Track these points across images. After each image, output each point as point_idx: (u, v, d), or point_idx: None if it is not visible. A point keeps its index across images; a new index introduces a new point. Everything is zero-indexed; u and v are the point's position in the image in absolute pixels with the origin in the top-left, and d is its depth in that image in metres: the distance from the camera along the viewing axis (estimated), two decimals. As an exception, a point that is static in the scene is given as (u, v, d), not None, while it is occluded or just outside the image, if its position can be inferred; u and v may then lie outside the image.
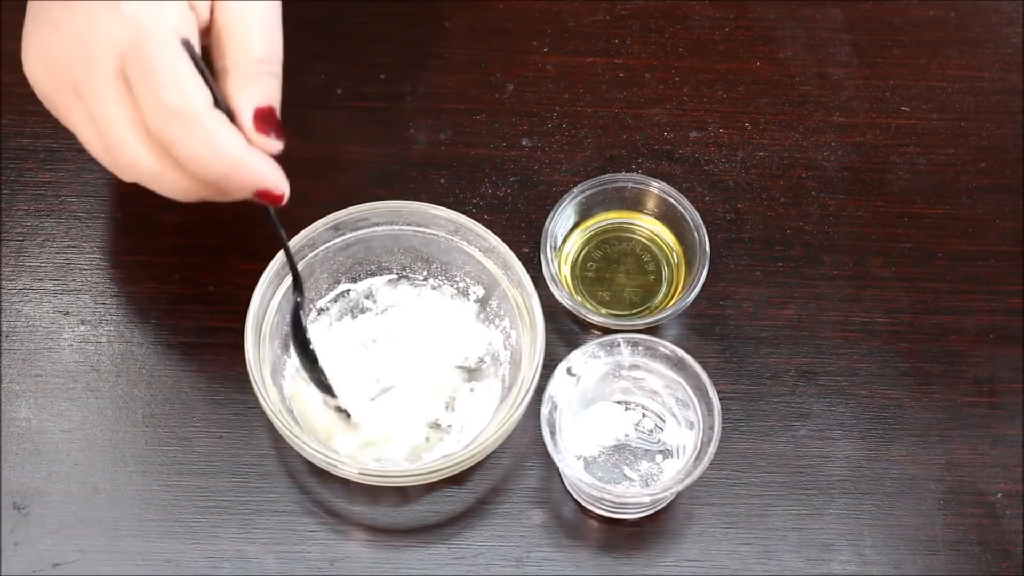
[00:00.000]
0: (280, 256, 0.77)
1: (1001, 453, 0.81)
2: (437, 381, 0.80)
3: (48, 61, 0.68)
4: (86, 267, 0.84)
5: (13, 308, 0.83)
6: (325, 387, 0.77)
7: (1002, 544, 0.79)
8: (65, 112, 0.69)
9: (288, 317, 0.78)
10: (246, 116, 0.68)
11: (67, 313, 0.83)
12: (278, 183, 0.69)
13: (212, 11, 0.68)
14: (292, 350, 0.78)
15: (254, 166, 0.67)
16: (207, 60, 0.69)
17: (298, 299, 0.76)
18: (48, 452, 0.79)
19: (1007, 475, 0.80)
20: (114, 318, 0.83)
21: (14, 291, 0.83)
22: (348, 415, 0.78)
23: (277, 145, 0.69)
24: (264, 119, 0.68)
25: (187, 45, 0.67)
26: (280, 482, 0.79)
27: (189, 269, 0.84)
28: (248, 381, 0.76)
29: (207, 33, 0.69)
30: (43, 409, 0.80)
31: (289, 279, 0.78)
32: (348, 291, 0.82)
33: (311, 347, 0.76)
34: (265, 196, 0.69)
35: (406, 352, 0.80)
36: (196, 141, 0.66)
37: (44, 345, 0.82)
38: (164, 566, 0.77)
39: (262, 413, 0.76)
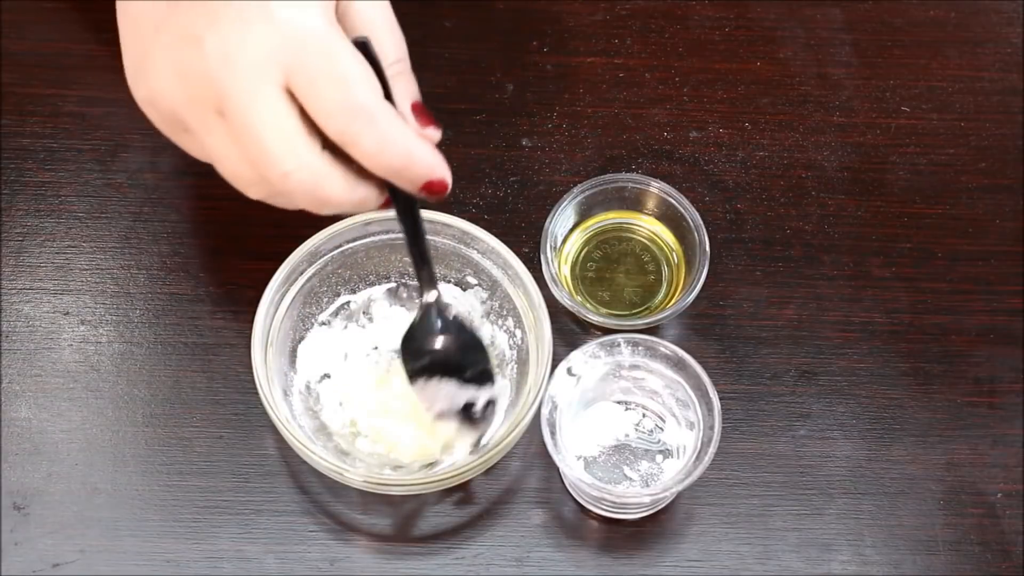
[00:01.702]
0: (283, 268, 0.77)
1: (1001, 453, 0.81)
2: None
3: (186, 78, 0.65)
4: (86, 267, 0.84)
5: (13, 308, 0.83)
6: (489, 378, 0.75)
7: (1002, 544, 0.79)
8: (200, 131, 0.67)
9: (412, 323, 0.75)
10: (407, 112, 0.69)
11: (67, 313, 0.83)
12: (445, 172, 0.68)
13: (339, 18, 0.67)
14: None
15: (428, 156, 0.68)
16: None
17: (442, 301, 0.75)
18: (48, 452, 0.79)
19: (1007, 475, 0.80)
20: (114, 318, 0.83)
21: (14, 291, 0.83)
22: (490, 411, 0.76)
23: (437, 135, 0.69)
24: (421, 113, 0.69)
25: (361, 45, 0.66)
26: (280, 482, 0.79)
27: (189, 269, 0.84)
28: (248, 382, 0.76)
29: None
30: (43, 409, 0.81)
31: (293, 290, 0.79)
32: (348, 303, 0.82)
33: (478, 338, 0.75)
34: (434, 187, 0.69)
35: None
36: (378, 133, 0.65)
37: (44, 345, 0.82)
38: (164, 566, 0.77)
39: (262, 413, 0.76)
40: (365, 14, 0.68)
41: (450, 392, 0.75)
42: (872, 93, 0.91)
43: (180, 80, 0.65)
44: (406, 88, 0.69)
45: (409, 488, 0.75)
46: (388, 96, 0.67)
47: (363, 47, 0.66)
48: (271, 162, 0.65)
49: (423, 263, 0.73)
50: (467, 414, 0.75)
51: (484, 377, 0.75)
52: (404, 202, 0.71)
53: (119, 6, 0.69)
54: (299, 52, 0.64)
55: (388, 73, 0.68)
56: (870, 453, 0.81)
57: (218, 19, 0.64)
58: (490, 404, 0.75)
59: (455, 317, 0.75)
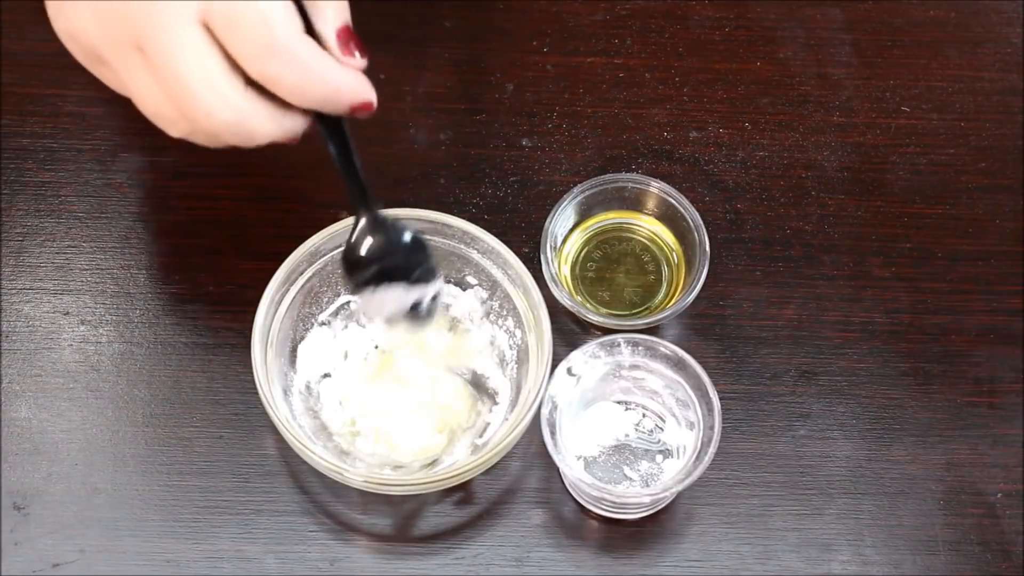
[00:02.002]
0: (283, 268, 0.78)
1: (1001, 453, 0.81)
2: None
3: (104, 15, 0.65)
4: (86, 267, 0.84)
5: (13, 308, 0.83)
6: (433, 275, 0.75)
7: (1002, 544, 0.79)
8: (119, 67, 0.67)
9: (350, 234, 0.74)
10: (331, 40, 0.68)
11: (67, 313, 0.83)
12: (370, 94, 0.69)
13: None
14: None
15: (351, 85, 0.68)
16: None
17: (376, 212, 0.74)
18: (48, 452, 0.79)
19: (1007, 475, 0.80)
20: (114, 318, 0.83)
21: (14, 291, 0.83)
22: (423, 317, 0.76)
23: (362, 62, 0.69)
24: (346, 40, 0.69)
25: None
26: (280, 482, 0.79)
27: (189, 269, 0.84)
28: (248, 381, 0.76)
29: None
30: (43, 409, 0.80)
31: (293, 290, 0.79)
32: (349, 302, 0.82)
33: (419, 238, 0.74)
34: (359, 109, 0.69)
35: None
36: (298, 70, 0.65)
37: (44, 345, 0.82)
38: (164, 566, 0.77)
39: (262, 413, 0.76)
40: None
41: (397, 296, 0.74)
42: (872, 93, 0.91)
43: (98, 16, 0.66)
44: (334, 13, 0.69)
45: (409, 488, 0.75)
46: (311, 28, 0.67)
47: None
48: (194, 102, 0.65)
49: (354, 180, 0.72)
50: (414, 312, 0.75)
51: (428, 275, 0.75)
52: (330, 122, 0.70)
53: None
54: None
55: None
56: (870, 453, 0.81)
57: None
58: (435, 298, 0.75)
59: (393, 224, 0.74)
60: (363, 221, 0.73)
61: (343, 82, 0.67)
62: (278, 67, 0.65)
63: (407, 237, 0.74)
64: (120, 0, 0.64)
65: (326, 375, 0.81)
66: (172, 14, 0.64)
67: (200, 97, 0.65)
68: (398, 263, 0.74)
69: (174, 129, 0.67)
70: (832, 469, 0.80)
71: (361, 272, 0.74)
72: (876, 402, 0.82)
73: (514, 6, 0.93)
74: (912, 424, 0.81)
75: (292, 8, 0.66)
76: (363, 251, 0.74)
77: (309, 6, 0.68)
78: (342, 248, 0.76)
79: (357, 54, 0.69)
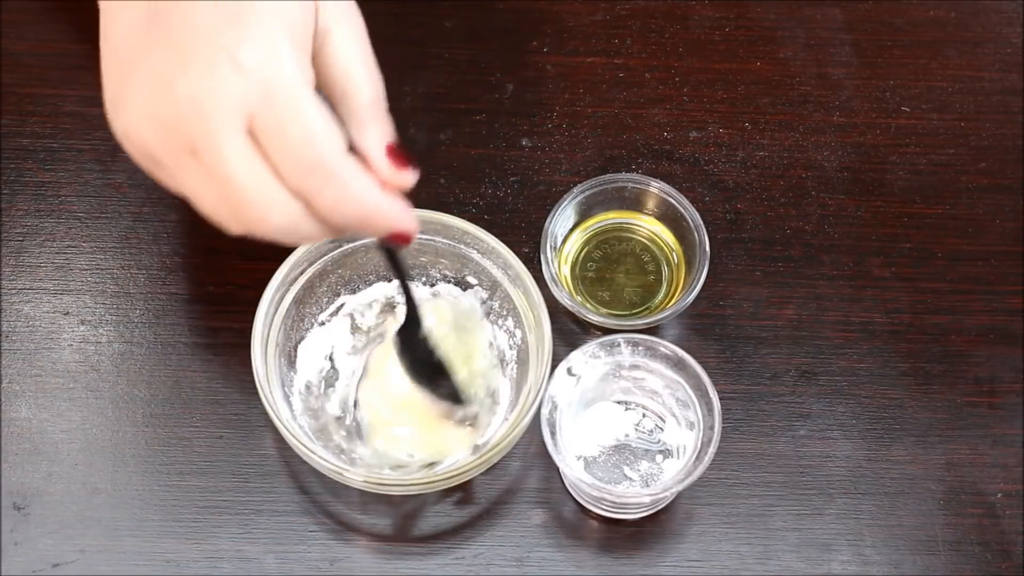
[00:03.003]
0: (283, 268, 0.78)
1: (1001, 453, 0.81)
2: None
3: (159, 121, 0.65)
4: (86, 267, 0.84)
5: (13, 308, 0.83)
6: (452, 394, 0.78)
7: (1002, 544, 0.79)
8: (176, 171, 0.66)
9: (395, 340, 0.78)
10: (379, 157, 0.68)
11: (67, 313, 0.83)
12: (411, 224, 0.69)
13: (314, 55, 0.67)
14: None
15: (390, 210, 0.67)
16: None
17: (420, 333, 0.77)
18: (48, 452, 0.79)
19: (1007, 475, 0.80)
20: (114, 318, 0.83)
21: (14, 291, 0.83)
22: (474, 415, 0.79)
23: (414, 177, 0.68)
24: (396, 156, 0.68)
25: (319, 93, 0.66)
26: (280, 482, 0.79)
27: (189, 269, 0.84)
28: (248, 382, 0.76)
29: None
30: (43, 409, 0.81)
31: (294, 290, 0.79)
32: (346, 303, 0.82)
33: (440, 360, 0.77)
34: (398, 238, 0.69)
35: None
36: (337, 191, 0.65)
37: (44, 345, 0.82)
38: (164, 566, 0.77)
39: (262, 413, 0.76)
40: (341, 54, 0.68)
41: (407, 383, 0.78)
42: (872, 93, 0.91)
43: (152, 122, 0.65)
44: (380, 132, 0.68)
45: (409, 488, 0.75)
46: (353, 146, 0.67)
47: (319, 94, 0.66)
48: (247, 208, 0.65)
49: (405, 290, 0.75)
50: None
51: (448, 395, 0.78)
52: (387, 251, 0.72)
53: (102, 31, 0.68)
54: (263, 102, 0.63)
55: (361, 116, 0.68)
56: (870, 453, 0.81)
57: (189, 63, 0.64)
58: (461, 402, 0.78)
59: (430, 345, 0.77)
60: (404, 333, 0.77)
61: (381, 207, 0.67)
62: (318, 183, 0.65)
63: (433, 363, 0.77)
64: (173, 104, 0.64)
65: (326, 375, 0.81)
66: (219, 116, 0.64)
67: (253, 204, 0.65)
68: (423, 376, 0.78)
69: (232, 227, 0.67)
70: (832, 469, 0.80)
71: (402, 343, 0.77)
72: (876, 402, 0.82)
73: (514, 6, 0.93)
74: (912, 424, 0.81)
75: (335, 124, 0.65)
76: (402, 349, 0.77)
77: (353, 127, 0.68)
78: (344, 250, 0.79)
79: (408, 168, 0.68)
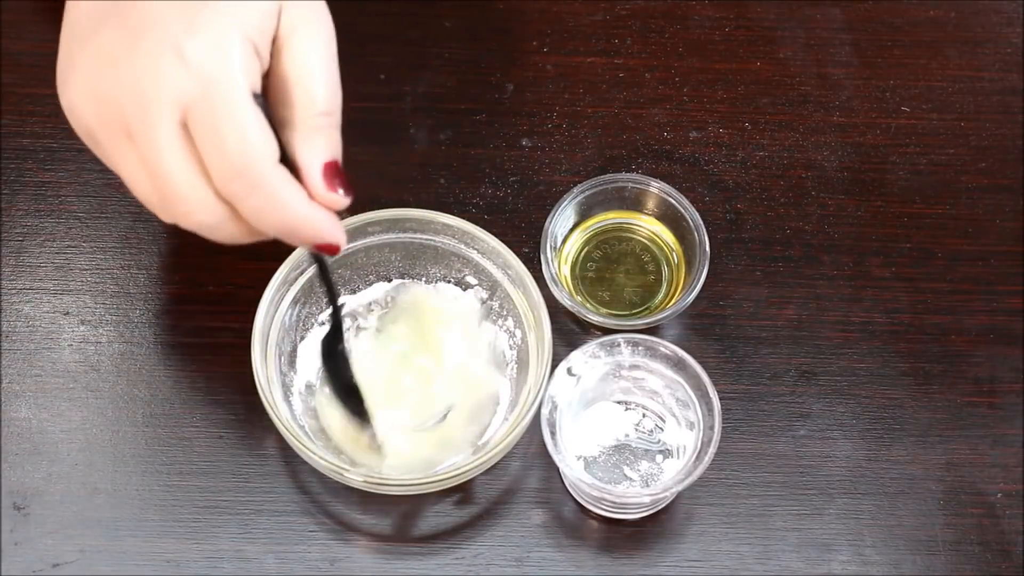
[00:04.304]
0: (283, 268, 0.78)
1: (1001, 453, 0.81)
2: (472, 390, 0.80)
3: (99, 99, 0.65)
4: (86, 267, 0.84)
5: (13, 308, 0.83)
6: (361, 415, 0.77)
7: (1002, 544, 0.79)
8: (111, 151, 0.67)
9: (319, 348, 0.78)
10: (315, 173, 0.67)
11: (67, 313, 0.83)
12: (337, 237, 0.68)
13: (272, 56, 0.66)
14: (320, 384, 0.79)
15: (316, 222, 0.67)
16: (265, 107, 0.67)
17: (340, 347, 0.76)
18: (48, 452, 0.79)
19: (1007, 475, 0.80)
20: (114, 318, 0.83)
21: (14, 291, 0.83)
22: (378, 445, 0.78)
23: (345, 201, 0.68)
24: (332, 175, 0.67)
25: (257, 98, 0.65)
26: (280, 482, 0.79)
27: (189, 269, 0.84)
28: (248, 382, 0.76)
29: (265, 78, 0.67)
30: (43, 409, 0.81)
31: (294, 290, 0.79)
32: (346, 303, 0.82)
33: (353, 380, 0.77)
34: (323, 249, 0.69)
35: (428, 368, 0.80)
36: (261, 199, 0.65)
37: (44, 345, 0.82)
38: (164, 566, 0.77)
39: (262, 413, 0.76)
40: (301, 57, 0.67)
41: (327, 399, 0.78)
42: (872, 93, 0.91)
43: (93, 99, 0.65)
44: (326, 145, 0.67)
45: (409, 488, 0.75)
46: (284, 157, 0.66)
47: (256, 100, 0.65)
48: (176, 199, 0.65)
49: (330, 300, 0.75)
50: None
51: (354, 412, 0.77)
52: (315, 256, 0.72)
53: (65, 8, 0.68)
54: (199, 98, 0.63)
55: (308, 125, 0.67)
56: (870, 453, 0.81)
57: (136, 47, 0.64)
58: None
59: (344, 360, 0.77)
60: (330, 338, 0.77)
61: (308, 218, 0.66)
62: (241, 190, 0.64)
63: (346, 382, 0.77)
64: (115, 84, 0.64)
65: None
66: (155, 105, 0.63)
67: (182, 196, 0.65)
68: (337, 393, 0.77)
69: (162, 217, 0.67)
70: (832, 469, 0.80)
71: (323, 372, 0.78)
72: (876, 402, 0.82)
73: (514, 6, 0.93)
74: (912, 424, 0.81)
75: (270, 132, 0.65)
76: (324, 360, 0.77)
77: (298, 135, 0.67)
78: (344, 250, 0.78)
79: (341, 191, 0.67)
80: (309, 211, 0.66)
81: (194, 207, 0.65)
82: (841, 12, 0.93)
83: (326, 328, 0.81)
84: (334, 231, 0.68)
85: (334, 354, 0.76)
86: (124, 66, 0.64)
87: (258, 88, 0.65)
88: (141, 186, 0.66)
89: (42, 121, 0.88)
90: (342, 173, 0.68)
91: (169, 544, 0.77)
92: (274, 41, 0.66)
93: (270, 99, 0.67)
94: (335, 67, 0.68)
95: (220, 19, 0.64)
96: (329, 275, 0.74)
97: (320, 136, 0.67)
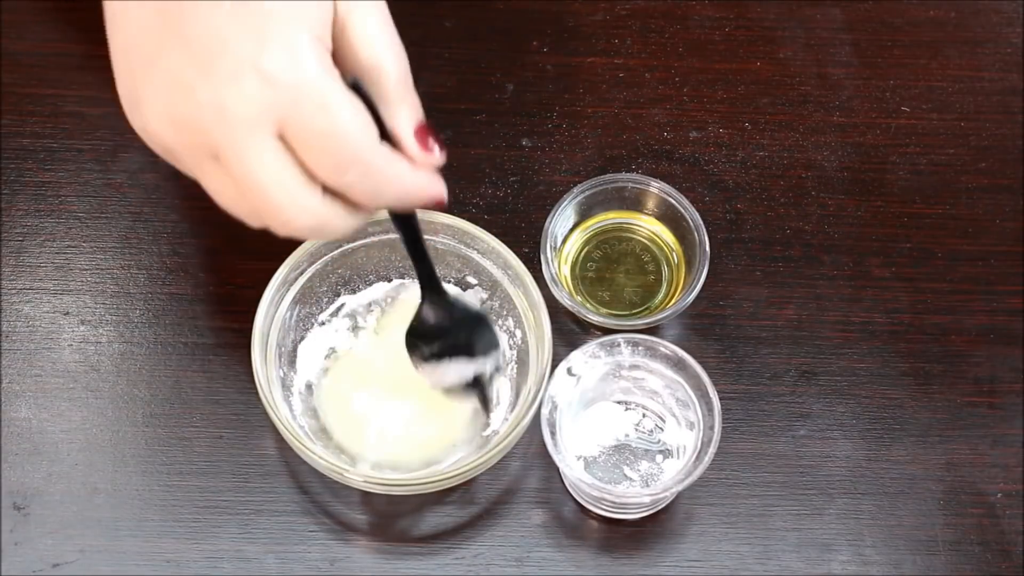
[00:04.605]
0: (283, 268, 0.78)
1: (1001, 453, 0.81)
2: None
3: (178, 124, 0.65)
4: (86, 267, 0.84)
5: (13, 308, 0.83)
6: (494, 346, 0.77)
7: (1002, 544, 0.79)
8: (194, 170, 0.67)
9: (416, 313, 0.76)
10: (409, 141, 0.68)
11: (67, 313, 0.83)
12: (443, 192, 0.69)
13: (335, 40, 0.67)
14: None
15: (424, 186, 0.68)
16: (358, 86, 0.67)
17: (445, 294, 0.76)
18: (48, 452, 0.79)
19: (1007, 475, 0.80)
20: (114, 318, 0.83)
21: (14, 291, 0.83)
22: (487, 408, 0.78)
23: (442, 158, 0.69)
24: (424, 138, 0.68)
25: (350, 83, 0.65)
26: (280, 482, 0.79)
27: (189, 269, 0.84)
28: (248, 382, 0.76)
29: (334, 57, 0.67)
30: (43, 409, 0.81)
31: (294, 290, 0.79)
32: (346, 303, 0.82)
33: (480, 312, 0.77)
34: (431, 207, 0.70)
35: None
36: (375, 180, 0.66)
37: (44, 345, 0.82)
38: (164, 566, 0.77)
39: (262, 413, 0.76)
40: (363, 36, 0.67)
41: (458, 369, 0.76)
42: (872, 93, 0.91)
43: (173, 125, 0.65)
44: (410, 111, 0.69)
45: (409, 488, 0.75)
46: (384, 132, 0.67)
47: (356, 87, 0.66)
48: (273, 211, 0.65)
49: (424, 265, 0.74)
50: (476, 383, 0.77)
51: (489, 347, 0.76)
52: (401, 215, 0.72)
53: (108, 28, 0.68)
54: (291, 105, 0.63)
55: (390, 97, 0.68)
56: (870, 453, 0.81)
57: (210, 70, 0.64)
58: (497, 369, 0.77)
59: (456, 302, 0.76)
60: (428, 301, 0.76)
61: (416, 184, 0.68)
62: (354, 178, 0.65)
63: (471, 313, 0.77)
64: (195, 109, 0.64)
65: (326, 375, 0.81)
66: (246, 125, 0.64)
67: (280, 208, 0.65)
68: (460, 340, 0.76)
69: (252, 223, 0.67)
70: (832, 469, 0.80)
71: (426, 347, 0.77)
72: (876, 402, 0.82)
73: (514, 6, 0.93)
74: (912, 424, 0.81)
75: (367, 115, 0.65)
76: (429, 326, 0.76)
77: (384, 108, 0.67)
78: (344, 250, 0.79)
79: (436, 150, 0.69)
80: (416, 178, 0.68)
81: (295, 215, 0.66)
82: (841, 12, 0.93)
83: (327, 328, 0.81)
84: (440, 188, 0.69)
85: (443, 307, 0.76)
86: (201, 91, 0.64)
87: (338, 75, 0.65)
88: (229, 200, 0.67)
89: (42, 121, 0.88)
90: (433, 133, 0.69)
91: (169, 544, 0.77)
92: (334, 24, 0.67)
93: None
94: (396, 35, 0.69)
95: (285, 26, 0.64)
96: (419, 235, 0.73)
97: (403, 104, 0.68)
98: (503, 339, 0.81)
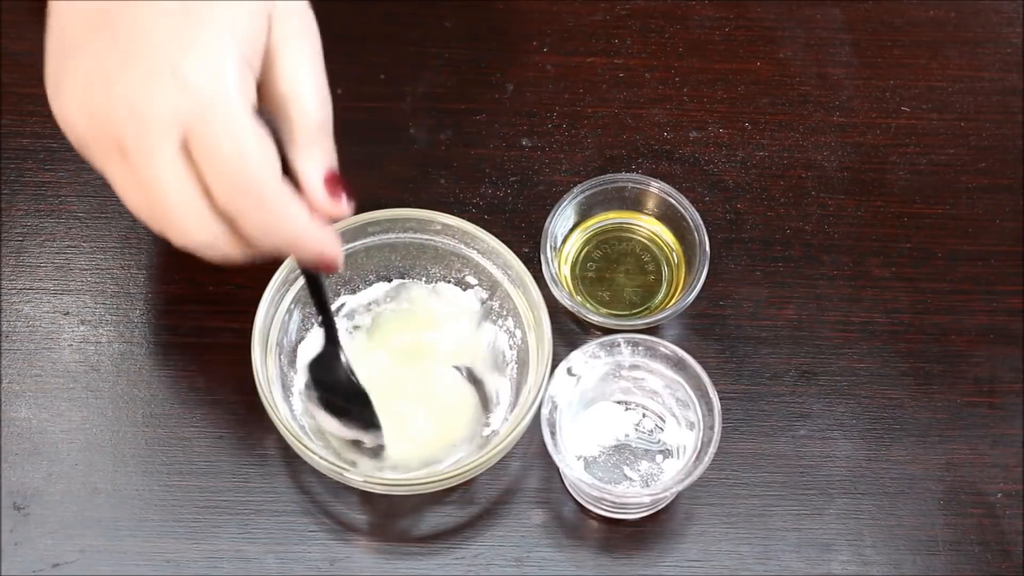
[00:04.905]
0: (283, 268, 0.78)
1: (1001, 453, 0.81)
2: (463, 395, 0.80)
3: (91, 114, 0.64)
4: (86, 267, 0.84)
5: (13, 308, 0.83)
6: (372, 426, 0.77)
7: (1002, 544, 0.79)
8: (103, 164, 0.66)
9: (314, 356, 0.77)
10: (316, 185, 0.67)
11: (67, 313, 0.83)
12: (337, 254, 0.68)
13: (262, 70, 0.66)
14: (307, 402, 0.78)
15: (317, 239, 0.67)
16: (268, 118, 0.66)
17: (341, 353, 0.76)
18: (48, 452, 0.79)
19: (1007, 475, 0.80)
20: (114, 318, 0.83)
21: (14, 291, 0.83)
22: (380, 449, 0.77)
23: (348, 210, 0.68)
24: (334, 185, 0.67)
25: (258, 111, 0.65)
26: (280, 482, 0.79)
27: (189, 269, 0.84)
28: (248, 382, 0.76)
29: (258, 91, 0.67)
30: (43, 409, 0.81)
31: (294, 290, 0.79)
32: (346, 303, 0.82)
33: (363, 391, 0.76)
34: (320, 266, 0.69)
35: (424, 369, 0.80)
36: (265, 215, 0.65)
37: (44, 345, 0.82)
38: (164, 566, 0.77)
39: (262, 413, 0.76)
40: (290, 72, 0.67)
41: (334, 426, 0.77)
42: (872, 93, 0.91)
43: (87, 115, 0.65)
44: (323, 155, 0.67)
45: (409, 488, 0.75)
46: (287, 170, 0.66)
47: (260, 115, 0.65)
48: (169, 219, 0.65)
49: (325, 318, 0.75)
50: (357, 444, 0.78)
51: (365, 424, 0.77)
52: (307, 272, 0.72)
53: (48, 17, 0.68)
54: (199, 119, 0.63)
55: (304, 139, 0.67)
56: (870, 453, 0.81)
57: (130, 64, 0.63)
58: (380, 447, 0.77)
59: (347, 371, 0.76)
60: (325, 353, 0.76)
61: (309, 235, 0.67)
62: (246, 206, 0.64)
63: (354, 387, 0.76)
64: (108, 102, 0.63)
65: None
66: (153, 126, 0.63)
67: (176, 216, 0.65)
68: (336, 403, 0.76)
69: (152, 227, 0.67)
70: (832, 469, 0.80)
71: (316, 390, 0.77)
72: (876, 402, 0.82)
73: (514, 6, 0.93)
74: (912, 424, 0.81)
75: (272, 148, 0.65)
76: (318, 374, 0.76)
77: (294, 149, 0.67)
78: (344, 250, 0.78)
79: (344, 200, 0.68)
80: (310, 226, 0.67)
81: (190, 226, 0.65)
82: (841, 12, 0.93)
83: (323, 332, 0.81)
84: (335, 247, 0.68)
85: (333, 367, 0.76)
86: (118, 84, 0.63)
87: (255, 101, 0.65)
88: (132, 200, 0.66)
89: (42, 121, 0.88)
90: (342, 182, 0.68)
91: (169, 544, 0.77)
92: (265, 53, 0.66)
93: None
94: (324, 78, 0.68)
95: (213, 36, 0.63)
96: (323, 291, 0.74)
97: (317, 148, 0.67)
98: (503, 339, 0.81)
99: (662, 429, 0.79)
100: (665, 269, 0.85)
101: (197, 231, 0.65)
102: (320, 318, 0.75)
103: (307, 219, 0.66)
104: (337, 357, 0.76)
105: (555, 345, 0.77)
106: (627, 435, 0.79)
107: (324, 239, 0.67)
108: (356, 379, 0.76)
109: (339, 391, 0.76)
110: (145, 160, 0.64)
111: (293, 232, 0.66)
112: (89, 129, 0.65)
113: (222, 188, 0.64)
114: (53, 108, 0.67)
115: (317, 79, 0.68)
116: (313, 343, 0.81)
